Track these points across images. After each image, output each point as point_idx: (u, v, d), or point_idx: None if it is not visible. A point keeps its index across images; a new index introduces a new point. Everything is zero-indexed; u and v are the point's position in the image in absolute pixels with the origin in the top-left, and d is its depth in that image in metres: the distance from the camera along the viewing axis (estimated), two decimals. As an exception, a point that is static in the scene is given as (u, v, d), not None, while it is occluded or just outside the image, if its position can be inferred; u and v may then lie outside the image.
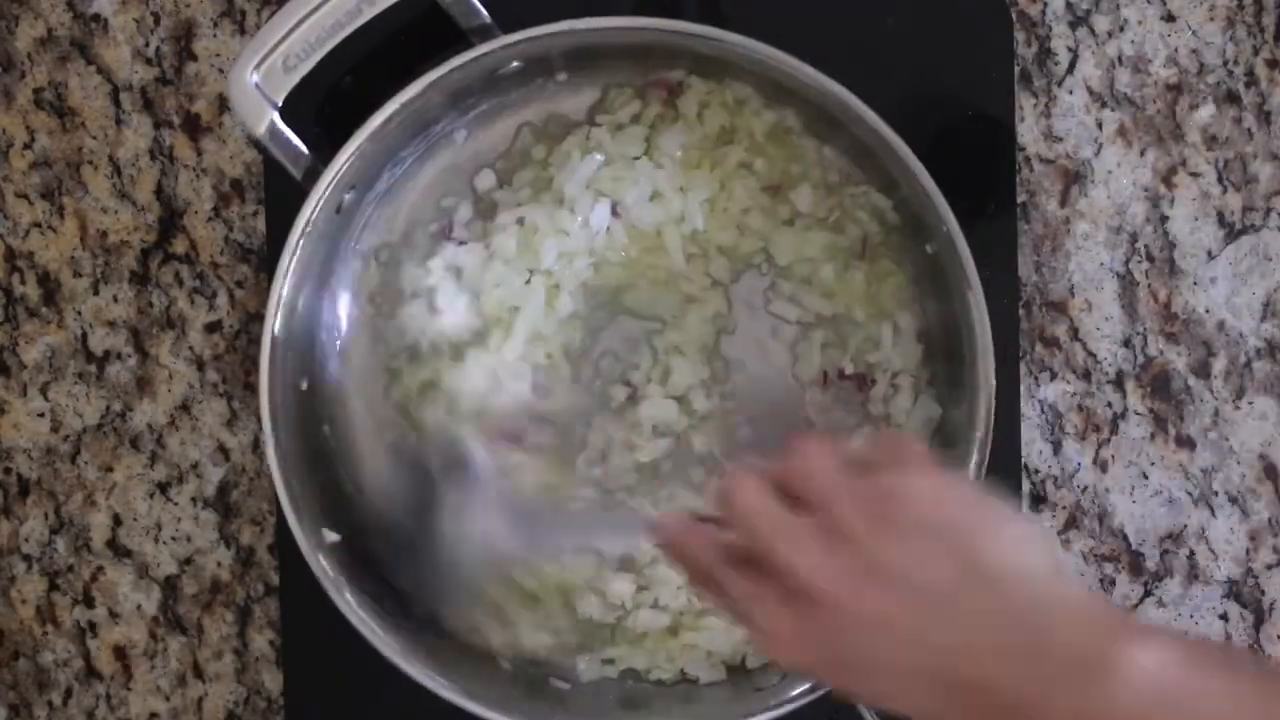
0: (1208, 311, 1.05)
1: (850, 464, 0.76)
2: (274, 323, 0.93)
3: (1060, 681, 0.67)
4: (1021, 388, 1.05)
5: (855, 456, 0.77)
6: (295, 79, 0.89)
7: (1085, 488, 1.06)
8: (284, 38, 0.89)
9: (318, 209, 0.92)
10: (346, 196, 0.95)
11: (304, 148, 0.92)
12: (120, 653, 1.07)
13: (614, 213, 1.01)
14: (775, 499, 0.76)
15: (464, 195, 1.02)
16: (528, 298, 1.01)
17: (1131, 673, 0.65)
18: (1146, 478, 1.06)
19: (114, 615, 1.07)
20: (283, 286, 0.93)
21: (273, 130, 0.90)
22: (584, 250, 1.01)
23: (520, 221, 1.00)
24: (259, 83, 0.89)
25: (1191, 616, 1.06)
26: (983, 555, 0.71)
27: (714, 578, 0.79)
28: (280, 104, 0.89)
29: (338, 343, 1.02)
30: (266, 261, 1.04)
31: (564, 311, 1.02)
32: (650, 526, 0.86)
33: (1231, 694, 0.66)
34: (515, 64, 0.95)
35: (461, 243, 1.01)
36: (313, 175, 0.91)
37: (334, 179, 0.91)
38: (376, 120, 0.90)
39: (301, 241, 0.92)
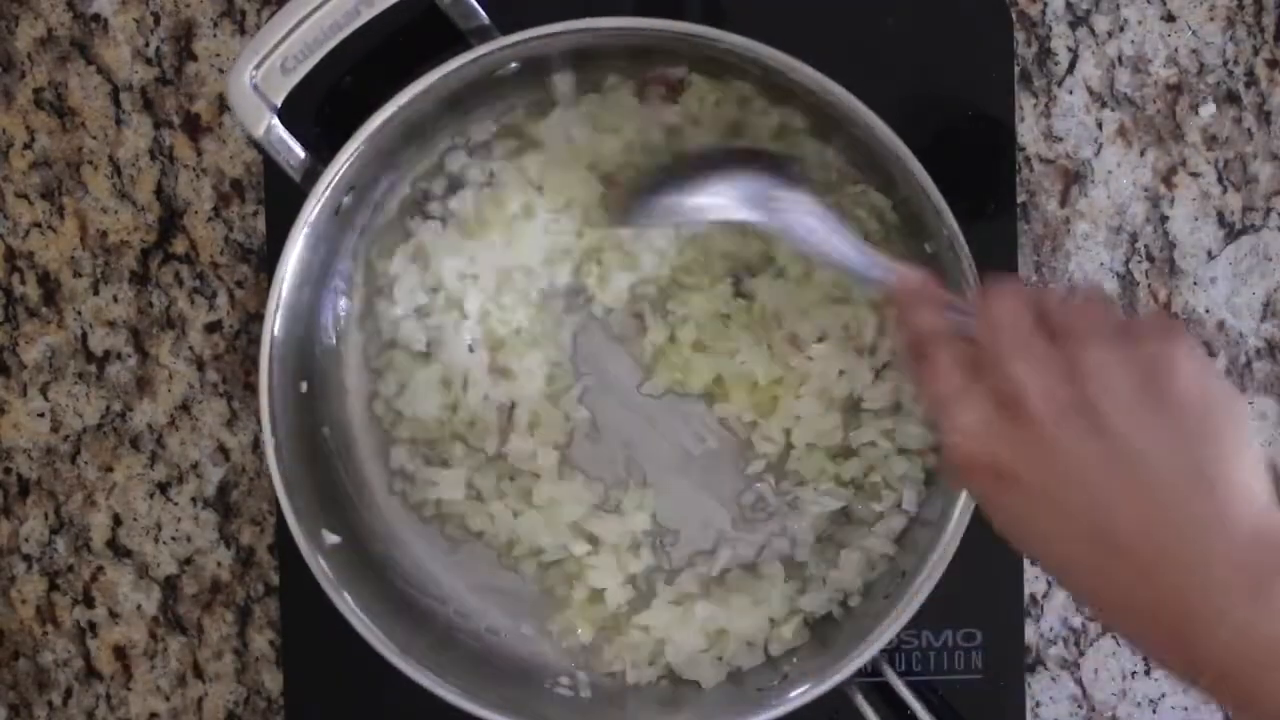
0: (1208, 311, 1.05)
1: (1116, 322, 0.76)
2: (274, 323, 0.93)
3: (1230, 605, 0.68)
4: (1021, 388, 1.04)
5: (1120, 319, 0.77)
6: (294, 81, 0.89)
7: (1085, 488, 1.06)
8: (282, 39, 0.89)
9: (316, 210, 0.92)
10: (345, 198, 0.95)
11: (302, 150, 0.92)
12: (120, 653, 1.07)
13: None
14: (1032, 321, 0.76)
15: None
16: (485, 266, 1.02)
17: None
18: (1146, 478, 1.06)
19: (114, 615, 1.07)
20: (282, 287, 0.93)
21: (271, 132, 0.90)
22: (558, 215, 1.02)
23: (489, 179, 1.02)
24: (258, 84, 0.89)
25: (1191, 616, 1.06)
26: (1216, 462, 0.71)
27: (931, 353, 0.80)
28: (279, 106, 0.90)
29: (337, 343, 1.02)
30: (266, 261, 1.04)
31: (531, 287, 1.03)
32: (894, 272, 0.86)
33: None
34: (514, 65, 0.95)
35: (427, 218, 1.02)
36: (311, 177, 0.91)
37: (332, 181, 0.91)
38: (375, 122, 0.90)
39: (301, 243, 0.92)
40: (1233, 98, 1.05)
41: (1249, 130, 1.05)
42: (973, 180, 1.03)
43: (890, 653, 1.02)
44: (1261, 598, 0.67)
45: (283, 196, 0.96)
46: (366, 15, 0.89)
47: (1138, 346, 0.73)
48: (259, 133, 0.90)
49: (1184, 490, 0.70)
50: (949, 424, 0.77)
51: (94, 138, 1.06)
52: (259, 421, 0.93)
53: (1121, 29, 1.05)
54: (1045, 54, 1.05)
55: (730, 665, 1.02)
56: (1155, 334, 0.74)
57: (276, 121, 0.90)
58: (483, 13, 0.92)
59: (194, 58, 1.05)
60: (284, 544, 1.01)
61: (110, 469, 1.06)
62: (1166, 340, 0.74)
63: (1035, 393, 0.73)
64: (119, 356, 1.06)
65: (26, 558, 1.06)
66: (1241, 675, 0.68)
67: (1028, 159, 1.05)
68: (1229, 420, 0.72)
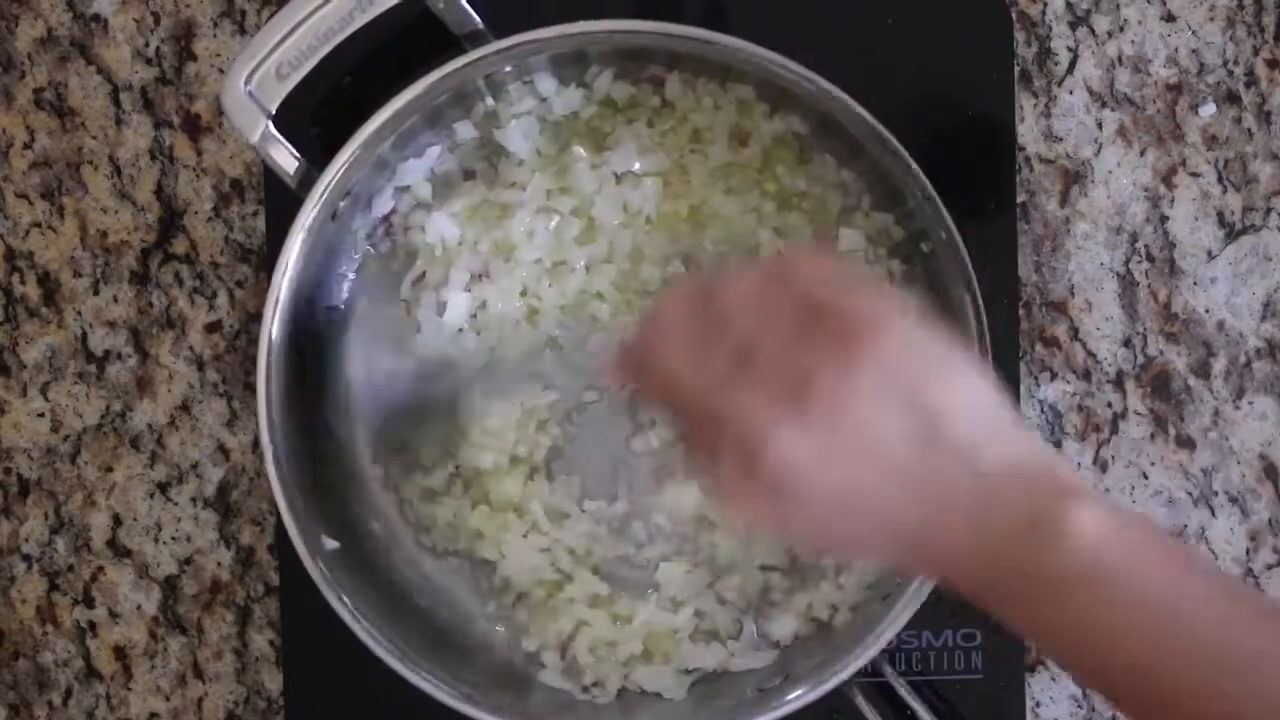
0: (1208, 311, 1.05)
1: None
2: (273, 324, 0.93)
3: (1011, 544, 0.68)
4: (1021, 388, 1.04)
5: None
6: (288, 86, 0.89)
7: (1085, 488, 1.05)
8: (277, 45, 0.89)
9: (313, 216, 0.92)
10: (341, 203, 0.95)
11: (296, 156, 0.92)
12: (120, 653, 1.07)
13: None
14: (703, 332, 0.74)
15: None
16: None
17: (1074, 537, 0.67)
18: (1146, 478, 1.06)
19: (114, 615, 1.07)
20: (281, 288, 0.93)
21: (266, 138, 0.90)
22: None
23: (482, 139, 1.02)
24: (252, 91, 0.89)
25: (1191, 616, 1.06)
26: (941, 417, 0.70)
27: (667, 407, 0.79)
28: (273, 112, 0.90)
29: (336, 343, 1.02)
30: (266, 261, 1.04)
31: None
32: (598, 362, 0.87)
33: (1162, 565, 0.68)
34: (508, 69, 0.95)
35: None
36: (308, 182, 0.92)
37: (328, 186, 0.91)
38: (369, 128, 0.90)
39: (298, 248, 0.92)
40: (1233, 98, 1.05)
41: (1249, 130, 1.05)
42: (973, 180, 1.03)
43: (890, 653, 1.02)
44: (1038, 533, 0.68)
45: (283, 197, 0.96)
46: (361, 20, 0.89)
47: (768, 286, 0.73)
48: (254, 139, 0.90)
49: (942, 466, 0.70)
50: (718, 485, 0.75)
51: (94, 138, 1.06)
52: (258, 422, 0.94)
53: (1121, 29, 1.05)
54: (1045, 54, 1.05)
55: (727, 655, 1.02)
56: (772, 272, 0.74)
57: (271, 127, 0.90)
58: (476, 17, 0.92)
59: (194, 58, 1.05)
60: (284, 544, 1.01)
61: (110, 469, 1.06)
62: (773, 269, 0.74)
63: (767, 435, 0.70)
64: (119, 356, 1.06)
65: (26, 558, 1.07)
66: (1032, 614, 0.70)
67: (1028, 159, 1.05)
68: (930, 365, 0.72)
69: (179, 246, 1.06)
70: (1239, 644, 0.67)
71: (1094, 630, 0.68)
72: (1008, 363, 1.03)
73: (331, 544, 0.96)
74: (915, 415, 0.69)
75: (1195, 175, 1.05)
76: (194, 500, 1.06)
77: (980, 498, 0.69)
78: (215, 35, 1.05)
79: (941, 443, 0.69)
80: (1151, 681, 0.67)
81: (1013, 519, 0.69)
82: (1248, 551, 1.06)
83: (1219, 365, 1.05)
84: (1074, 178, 1.05)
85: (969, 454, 0.69)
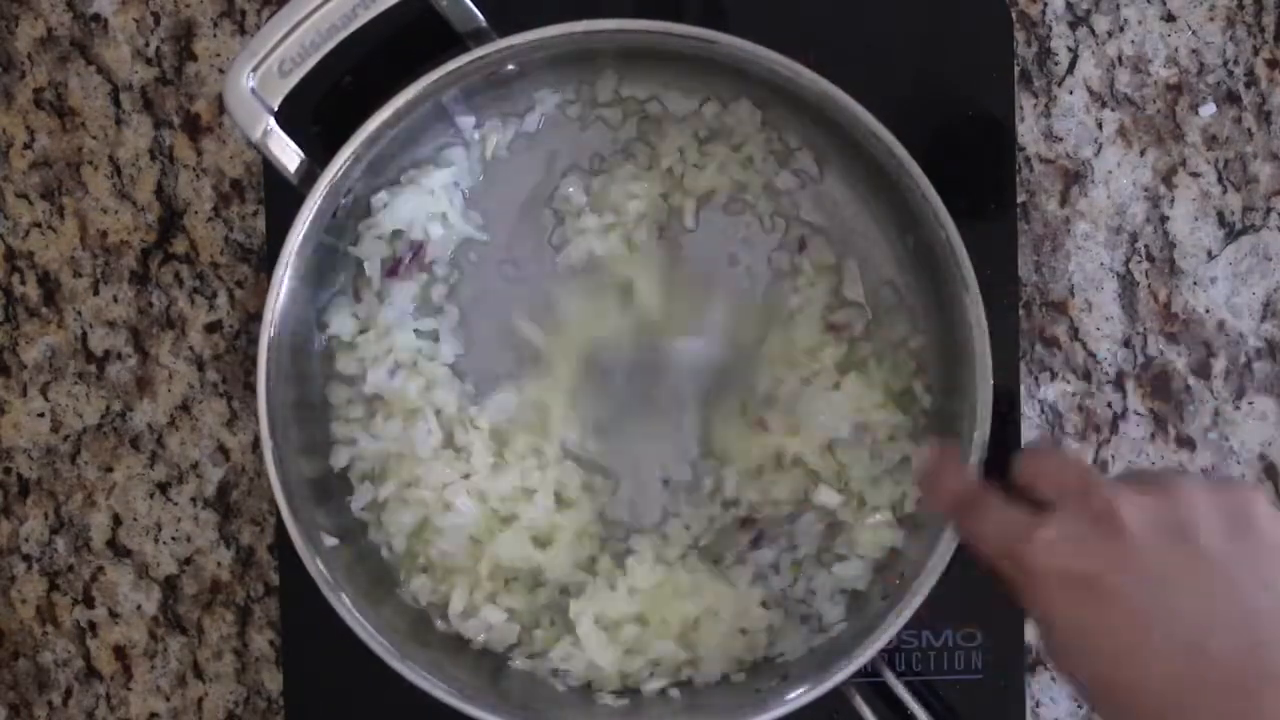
0: (1208, 311, 1.05)
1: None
2: (272, 324, 0.93)
3: None
4: (1021, 388, 1.04)
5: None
6: (291, 83, 0.89)
7: (1085, 488, 1.06)
8: (280, 42, 0.89)
9: (314, 214, 0.92)
10: (343, 200, 0.95)
11: (299, 154, 0.92)
12: (120, 653, 1.07)
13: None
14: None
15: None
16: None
17: None
18: (1146, 478, 1.06)
19: (114, 615, 1.07)
20: (281, 288, 0.93)
21: (268, 135, 0.90)
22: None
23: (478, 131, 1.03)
24: (255, 87, 0.89)
25: (1191, 616, 1.06)
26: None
27: (977, 501, 0.83)
28: (276, 109, 0.90)
29: (337, 342, 1.02)
30: (266, 261, 1.04)
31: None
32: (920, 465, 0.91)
33: None
34: (511, 67, 0.95)
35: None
36: (309, 179, 0.91)
37: (329, 184, 0.91)
38: (371, 125, 0.90)
39: (299, 246, 0.92)
40: (1233, 98, 1.05)
41: (1249, 130, 1.05)
42: (973, 180, 1.03)
43: (890, 653, 1.02)
44: None
45: (283, 196, 0.96)
46: (364, 18, 0.89)
47: (1221, 491, 0.76)
48: (256, 136, 0.90)
49: (1272, 614, 0.73)
50: (1031, 531, 0.78)
51: (94, 138, 1.06)
52: (258, 422, 0.93)
53: (1121, 29, 1.05)
54: (1045, 54, 1.05)
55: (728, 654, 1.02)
56: (1235, 485, 0.78)
57: (274, 124, 0.90)
58: (480, 15, 0.92)
59: (194, 58, 1.06)
60: (284, 544, 1.01)
61: (110, 469, 1.06)
62: (1247, 489, 0.77)
63: (1130, 507, 0.75)
64: (119, 356, 1.06)
65: (26, 558, 1.07)
66: None
67: (1028, 159, 1.05)
68: None
69: (179, 246, 1.06)
70: None
71: None
72: (1008, 363, 1.03)
73: (331, 541, 0.96)
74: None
75: (1195, 175, 1.05)
76: (194, 500, 1.06)
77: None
78: (215, 35, 1.05)
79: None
80: None
81: None
82: (1248, 551, 1.06)
83: (1219, 365, 1.05)
84: (1074, 178, 1.05)
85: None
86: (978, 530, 0.83)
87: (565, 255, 1.03)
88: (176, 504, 1.06)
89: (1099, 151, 1.05)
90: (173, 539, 1.06)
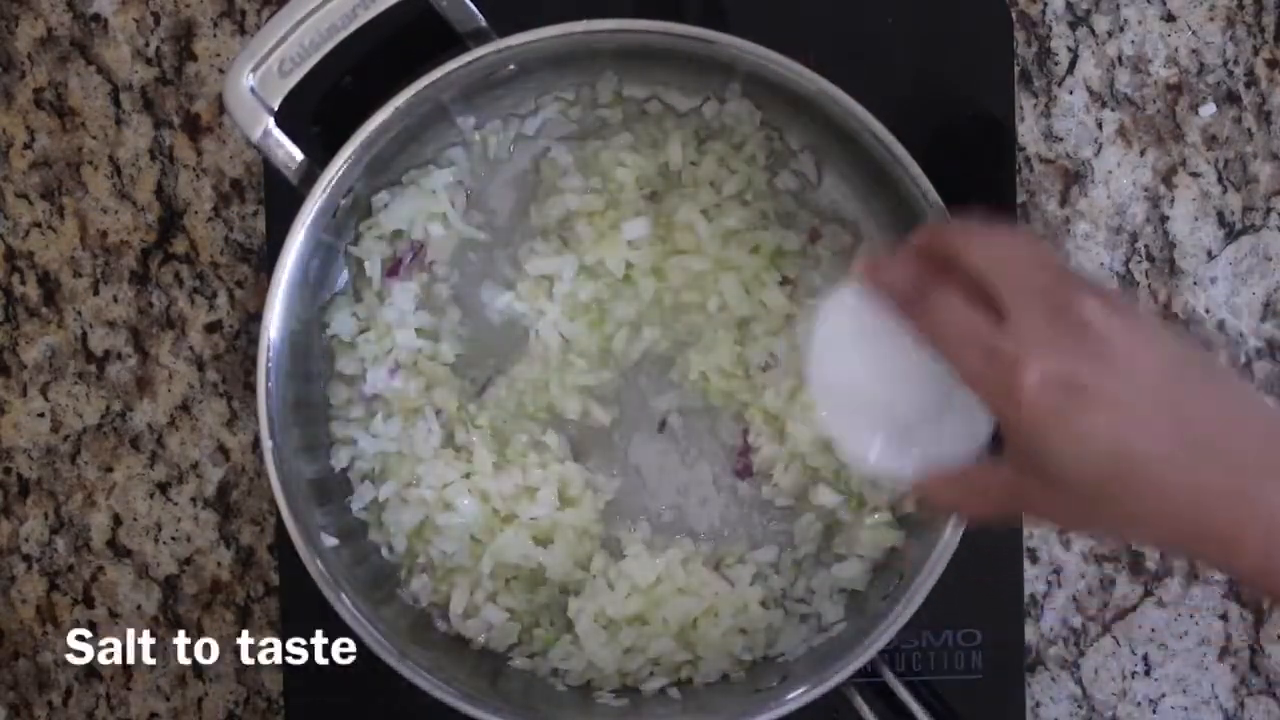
0: (1208, 311, 1.05)
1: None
2: (273, 324, 0.93)
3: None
4: (1021, 388, 1.04)
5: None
6: (291, 83, 0.89)
7: (1085, 488, 1.06)
8: (280, 42, 0.89)
9: (314, 213, 0.92)
10: (343, 200, 0.95)
11: (299, 153, 0.92)
12: (120, 652, 1.07)
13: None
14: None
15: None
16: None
17: None
18: (1146, 478, 1.06)
19: (114, 615, 1.07)
20: (281, 288, 0.93)
21: (268, 135, 0.90)
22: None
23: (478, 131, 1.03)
24: (255, 87, 0.89)
25: (1191, 616, 1.06)
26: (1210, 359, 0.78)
27: (931, 298, 0.79)
28: (276, 109, 0.90)
29: (337, 342, 1.02)
30: (266, 261, 1.04)
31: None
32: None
33: None
34: (511, 67, 0.95)
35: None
36: (309, 179, 0.91)
37: (329, 184, 0.91)
38: (370, 126, 0.91)
39: (299, 246, 0.92)
40: (1233, 98, 1.05)
41: (1249, 130, 1.05)
42: (973, 180, 1.03)
43: (890, 653, 1.02)
44: None
45: (283, 196, 0.96)
46: (364, 18, 0.89)
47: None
48: (256, 135, 0.90)
49: (1227, 391, 0.75)
50: (1000, 344, 0.74)
51: (94, 138, 1.06)
52: (258, 422, 0.93)
53: (1121, 29, 1.05)
54: (1045, 54, 1.05)
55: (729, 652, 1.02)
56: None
57: (273, 124, 0.90)
58: (480, 15, 0.92)
59: (194, 58, 1.05)
60: (284, 544, 1.01)
61: (110, 469, 1.06)
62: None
63: (1090, 298, 0.73)
64: (119, 356, 1.06)
65: (26, 558, 1.07)
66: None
67: (1028, 159, 1.05)
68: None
69: (179, 246, 1.06)
70: None
71: None
72: (1008, 363, 1.03)
73: (331, 540, 0.96)
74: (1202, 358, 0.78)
75: (1195, 175, 1.05)
76: (194, 500, 1.06)
77: (1263, 448, 0.72)
78: (215, 35, 1.05)
79: (1230, 389, 0.76)
80: None
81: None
82: (1248, 551, 1.06)
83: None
84: (1074, 178, 1.05)
85: (1251, 405, 0.76)
86: (938, 333, 0.79)
87: (540, 213, 1.03)
88: (176, 504, 1.06)
89: (1099, 151, 1.05)
90: (173, 539, 1.06)
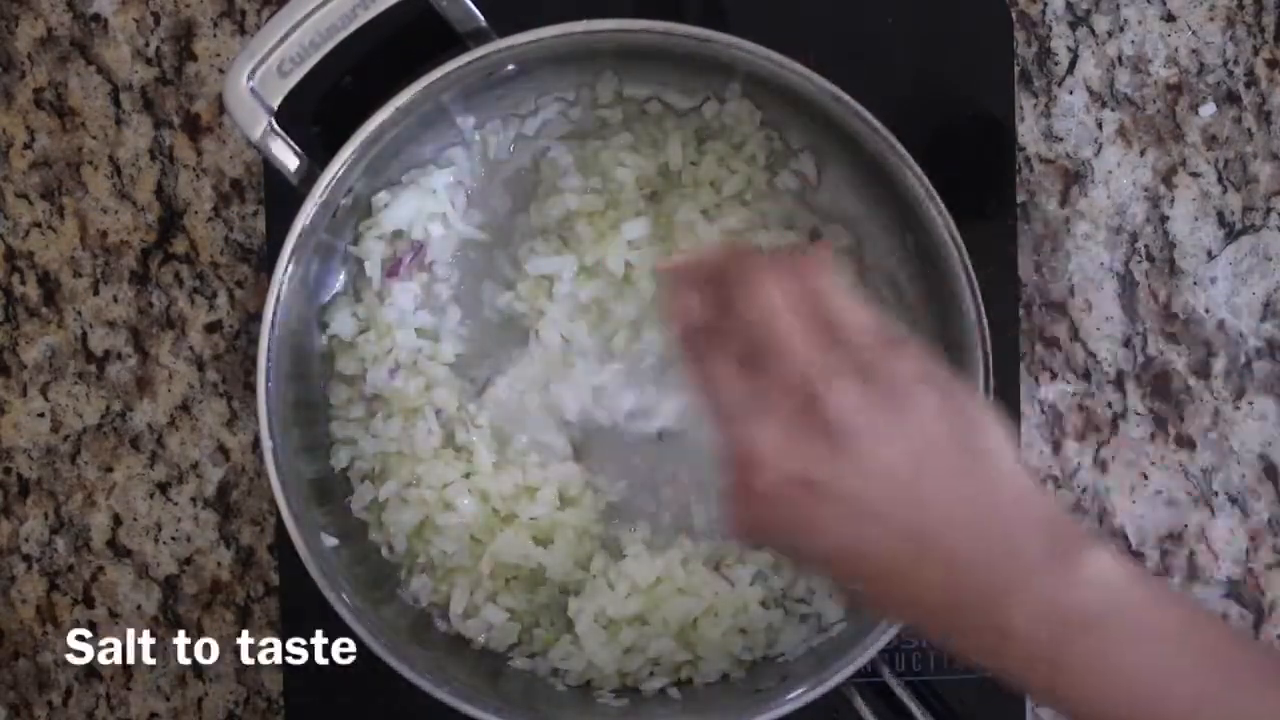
0: (1208, 311, 1.05)
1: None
2: (273, 324, 0.93)
3: (1035, 574, 0.71)
4: (1021, 388, 1.04)
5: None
6: (291, 83, 0.89)
7: (1085, 488, 1.06)
8: (280, 42, 0.89)
9: (314, 214, 0.92)
10: (343, 200, 0.95)
11: (298, 154, 0.92)
12: (120, 652, 1.07)
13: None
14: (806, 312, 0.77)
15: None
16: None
17: (1093, 572, 0.71)
18: (1146, 478, 1.06)
19: (114, 615, 1.07)
20: (281, 288, 0.93)
21: (267, 136, 0.90)
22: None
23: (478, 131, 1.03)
24: (255, 87, 0.89)
25: (1191, 616, 1.06)
26: (987, 450, 0.74)
27: (706, 352, 0.79)
28: (275, 109, 0.90)
29: (337, 342, 1.02)
30: (266, 261, 1.04)
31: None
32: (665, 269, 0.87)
33: (1163, 600, 0.73)
34: (511, 67, 0.95)
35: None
36: (309, 180, 0.91)
37: (329, 184, 0.91)
38: (370, 126, 0.90)
39: (299, 247, 0.92)
40: (1233, 98, 1.05)
41: (1249, 130, 1.05)
42: (973, 180, 1.03)
43: (890, 653, 1.02)
44: (1064, 566, 0.71)
45: (283, 196, 0.96)
46: (364, 18, 0.89)
47: (880, 355, 0.75)
48: (255, 136, 0.90)
49: (976, 478, 0.73)
50: (744, 436, 0.75)
51: (94, 138, 1.06)
52: (259, 422, 0.93)
53: (1121, 29, 1.05)
54: (1045, 54, 1.05)
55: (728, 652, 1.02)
56: (881, 344, 0.76)
57: (273, 124, 0.90)
58: (480, 15, 0.92)
59: (194, 58, 1.05)
60: (284, 544, 1.01)
61: (110, 469, 1.06)
62: (896, 348, 0.76)
63: (844, 389, 0.73)
64: (119, 356, 1.06)
65: (26, 558, 1.07)
66: (1050, 644, 0.70)
67: (1028, 159, 1.05)
68: (974, 403, 0.76)
69: (179, 246, 1.06)
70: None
71: (1111, 662, 0.70)
72: (1008, 363, 1.03)
73: (331, 541, 0.96)
74: (961, 439, 0.74)
75: (1195, 175, 1.05)
76: (194, 500, 1.06)
77: (1007, 534, 0.72)
78: (215, 35, 1.05)
79: (981, 473, 0.73)
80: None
81: (1037, 553, 0.71)
82: (1247, 551, 1.06)
83: (1219, 365, 1.05)
84: (1074, 178, 1.05)
85: (1004, 489, 0.73)
86: (705, 387, 0.79)
87: (540, 213, 1.03)
88: (176, 504, 1.06)
89: (1099, 151, 1.05)
90: (173, 539, 1.06)
